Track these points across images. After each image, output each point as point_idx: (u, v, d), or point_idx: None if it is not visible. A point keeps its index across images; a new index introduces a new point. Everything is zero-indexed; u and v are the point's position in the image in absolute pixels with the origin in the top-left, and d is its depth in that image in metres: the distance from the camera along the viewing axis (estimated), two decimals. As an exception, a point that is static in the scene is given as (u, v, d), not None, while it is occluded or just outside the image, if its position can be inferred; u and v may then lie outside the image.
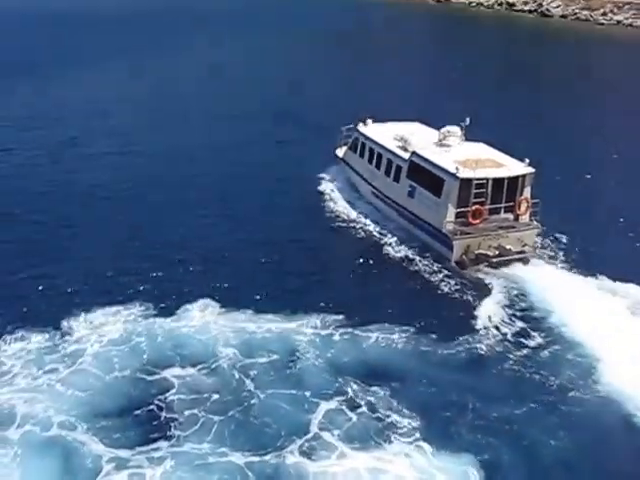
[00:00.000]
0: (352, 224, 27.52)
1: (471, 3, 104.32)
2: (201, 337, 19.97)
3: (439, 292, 22.84)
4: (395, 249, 25.40)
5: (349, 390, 18.17)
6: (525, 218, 25.07)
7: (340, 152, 31.16)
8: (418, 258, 24.68)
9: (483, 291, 22.69)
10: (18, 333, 19.69)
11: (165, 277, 23.26)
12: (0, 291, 21.95)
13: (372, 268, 24.40)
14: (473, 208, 24.09)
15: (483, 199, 24.27)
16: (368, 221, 27.47)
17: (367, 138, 28.93)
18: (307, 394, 17.95)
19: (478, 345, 20.09)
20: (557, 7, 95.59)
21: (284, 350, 19.61)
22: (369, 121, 30.05)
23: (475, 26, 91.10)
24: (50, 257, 24.28)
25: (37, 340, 19.49)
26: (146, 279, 22.97)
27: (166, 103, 46.98)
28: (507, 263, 23.76)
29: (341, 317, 21.05)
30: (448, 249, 24.09)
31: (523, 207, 24.93)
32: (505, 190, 24.60)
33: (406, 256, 24.93)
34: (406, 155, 26.38)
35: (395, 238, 25.95)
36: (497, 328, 20.82)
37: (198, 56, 62.72)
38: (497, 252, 23.82)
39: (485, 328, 20.79)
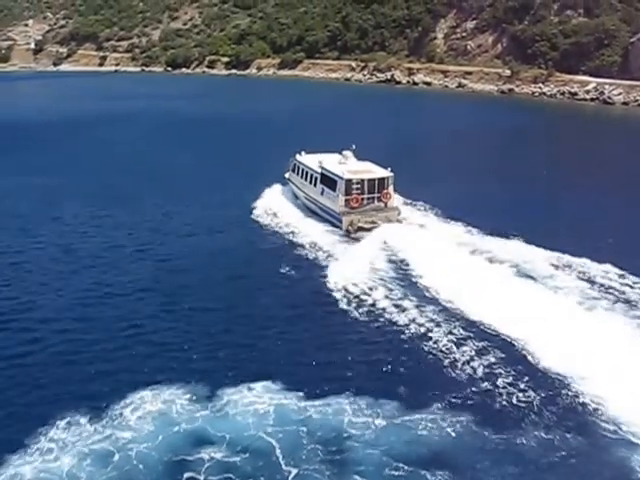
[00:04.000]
0: (292, 219, 39.41)
1: (534, 93, 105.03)
2: (241, 419, 19.70)
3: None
4: (317, 226, 37.89)
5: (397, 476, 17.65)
6: (391, 204, 37.91)
7: (287, 174, 44.75)
8: (328, 229, 37.23)
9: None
10: (52, 412, 19.97)
11: (201, 357, 23.44)
12: (38, 373, 22.54)
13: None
14: (353, 197, 37.15)
15: (360, 192, 37.37)
16: (301, 214, 40.42)
17: (300, 162, 42.72)
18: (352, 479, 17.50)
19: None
20: (618, 95, 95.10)
21: (326, 432, 19.16)
22: (303, 153, 43.74)
23: (533, 113, 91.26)
24: (87, 341, 24.66)
25: (70, 420, 19.67)
26: (185, 359, 23.23)
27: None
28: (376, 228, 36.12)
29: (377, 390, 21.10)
30: (340, 223, 36.95)
31: (387, 197, 37.73)
32: (376, 187, 37.63)
33: (324, 230, 37.09)
34: (319, 170, 39.81)
35: (317, 222, 38.60)
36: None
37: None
38: (371, 225, 36.25)
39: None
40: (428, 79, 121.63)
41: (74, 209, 41.72)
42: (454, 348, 23.85)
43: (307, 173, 41.31)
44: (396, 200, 38.52)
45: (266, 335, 25.01)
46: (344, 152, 41.02)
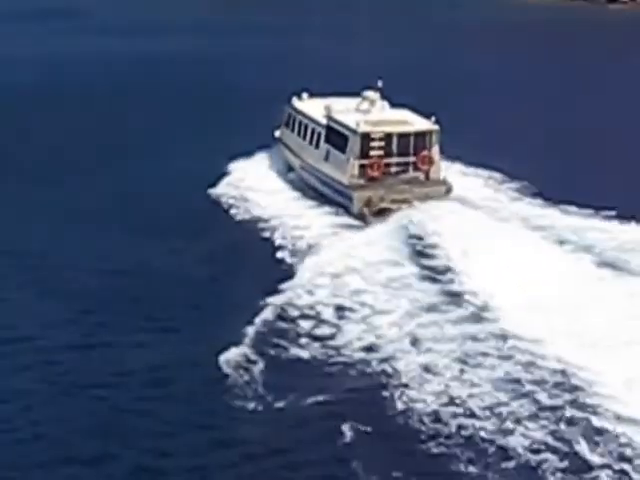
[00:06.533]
0: (277, 205, 30.33)
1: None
2: None
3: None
4: (315, 216, 29.06)
5: None
6: (434, 175, 29.22)
7: (277, 133, 34.69)
8: (330, 219, 28.55)
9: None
10: None
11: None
12: None
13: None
14: (373, 162, 28.58)
15: (385, 153, 28.82)
16: (294, 195, 31.40)
17: (299, 112, 33.01)
18: None
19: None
20: None
21: None
22: (304, 95, 33.86)
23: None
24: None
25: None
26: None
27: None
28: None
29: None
30: (350, 202, 28.50)
31: (429, 163, 29.12)
32: (411, 146, 29.06)
33: (325, 222, 28.27)
34: (324, 121, 30.76)
35: (319, 209, 29.57)
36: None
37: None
38: (402, 205, 27.53)
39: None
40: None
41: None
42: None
43: (307, 127, 32.18)
44: (444, 168, 29.76)
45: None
46: (365, 93, 31.64)
